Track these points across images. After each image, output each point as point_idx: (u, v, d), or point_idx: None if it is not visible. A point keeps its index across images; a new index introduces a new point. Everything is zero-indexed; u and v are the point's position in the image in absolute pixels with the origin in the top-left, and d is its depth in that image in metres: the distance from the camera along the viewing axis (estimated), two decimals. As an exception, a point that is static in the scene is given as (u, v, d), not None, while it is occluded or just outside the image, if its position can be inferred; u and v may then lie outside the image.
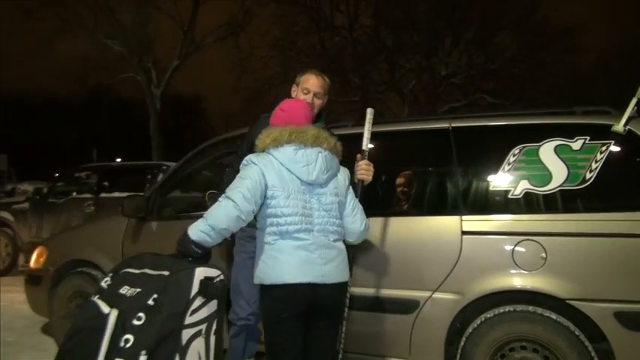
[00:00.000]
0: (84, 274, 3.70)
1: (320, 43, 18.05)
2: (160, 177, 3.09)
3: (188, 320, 1.71)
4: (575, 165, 2.58)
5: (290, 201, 2.01)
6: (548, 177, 2.61)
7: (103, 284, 1.91)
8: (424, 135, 3.04)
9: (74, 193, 7.75)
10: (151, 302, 1.69)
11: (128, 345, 1.63)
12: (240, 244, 2.62)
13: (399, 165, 3.11)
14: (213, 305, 1.81)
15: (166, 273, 1.77)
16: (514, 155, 2.69)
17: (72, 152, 25.63)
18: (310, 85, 2.58)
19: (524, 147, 2.69)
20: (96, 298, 1.84)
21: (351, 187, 2.26)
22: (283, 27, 17.58)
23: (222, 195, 2.01)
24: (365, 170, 2.41)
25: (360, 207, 2.26)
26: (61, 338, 3.73)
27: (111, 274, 1.96)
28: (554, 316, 2.44)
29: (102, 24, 17.39)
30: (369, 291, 2.78)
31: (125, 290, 1.79)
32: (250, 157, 2.11)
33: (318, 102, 2.59)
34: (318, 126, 2.38)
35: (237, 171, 2.14)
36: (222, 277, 1.87)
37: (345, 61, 17.69)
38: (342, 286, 2.12)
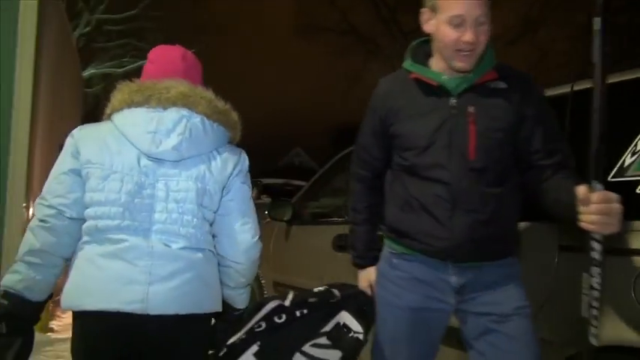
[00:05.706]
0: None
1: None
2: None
3: (305, 348, 1.60)
4: None
5: (108, 183, 1.35)
6: None
7: None
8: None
9: None
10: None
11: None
12: (381, 280, 1.67)
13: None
14: (335, 355, 1.59)
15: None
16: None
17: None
18: (462, 10, 1.41)
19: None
20: None
21: None
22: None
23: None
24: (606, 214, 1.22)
25: (251, 212, 1.54)
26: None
27: None
28: None
29: (397, 49, 19.30)
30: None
31: None
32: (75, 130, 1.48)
33: (483, 31, 1.44)
34: (481, 69, 1.49)
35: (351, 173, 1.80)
36: (361, 336, 1.56)
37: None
38: (188, 321, 1.34)
